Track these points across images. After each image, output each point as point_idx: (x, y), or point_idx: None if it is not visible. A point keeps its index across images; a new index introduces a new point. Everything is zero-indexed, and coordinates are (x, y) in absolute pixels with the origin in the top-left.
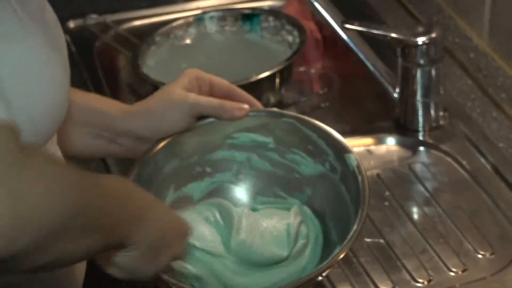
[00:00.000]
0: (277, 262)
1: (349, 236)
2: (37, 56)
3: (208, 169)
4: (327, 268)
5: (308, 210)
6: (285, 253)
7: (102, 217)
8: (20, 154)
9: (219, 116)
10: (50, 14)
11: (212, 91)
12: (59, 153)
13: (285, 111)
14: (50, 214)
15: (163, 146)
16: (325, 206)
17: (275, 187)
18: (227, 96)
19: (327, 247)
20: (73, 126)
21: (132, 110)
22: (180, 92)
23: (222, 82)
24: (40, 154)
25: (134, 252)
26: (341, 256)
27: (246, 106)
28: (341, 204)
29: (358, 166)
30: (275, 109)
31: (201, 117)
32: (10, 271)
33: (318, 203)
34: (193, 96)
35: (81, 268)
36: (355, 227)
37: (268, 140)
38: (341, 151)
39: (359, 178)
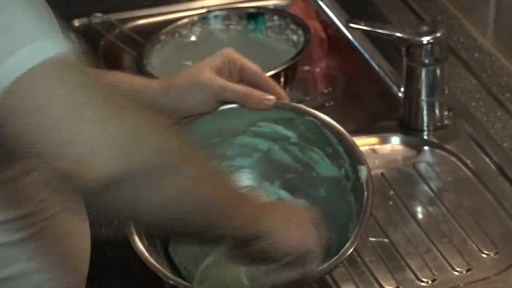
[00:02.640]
0: None
1: (341, 252)
2: None
3: (229, 152)
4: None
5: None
6: None
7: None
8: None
9: (244, 104)
10: None
11: (242, 75)
12: None
13: (311, 110)
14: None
15: (184, 124)
16: (334, 210)
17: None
18: (256, 82)
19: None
20: None
21: (157, 85)
22: (208, 75)
23: (253, 67)
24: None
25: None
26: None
27: (272, 97)
28: (346, 212)
29: (367, 181)
30: (301, 105)
31: (226, 102)
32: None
33: (329, 205)
34: (220, 81)
35: (84, 259)
36: (348, 244)
37: (291, 134)
38: (356, 161)
39: (365, 194)
